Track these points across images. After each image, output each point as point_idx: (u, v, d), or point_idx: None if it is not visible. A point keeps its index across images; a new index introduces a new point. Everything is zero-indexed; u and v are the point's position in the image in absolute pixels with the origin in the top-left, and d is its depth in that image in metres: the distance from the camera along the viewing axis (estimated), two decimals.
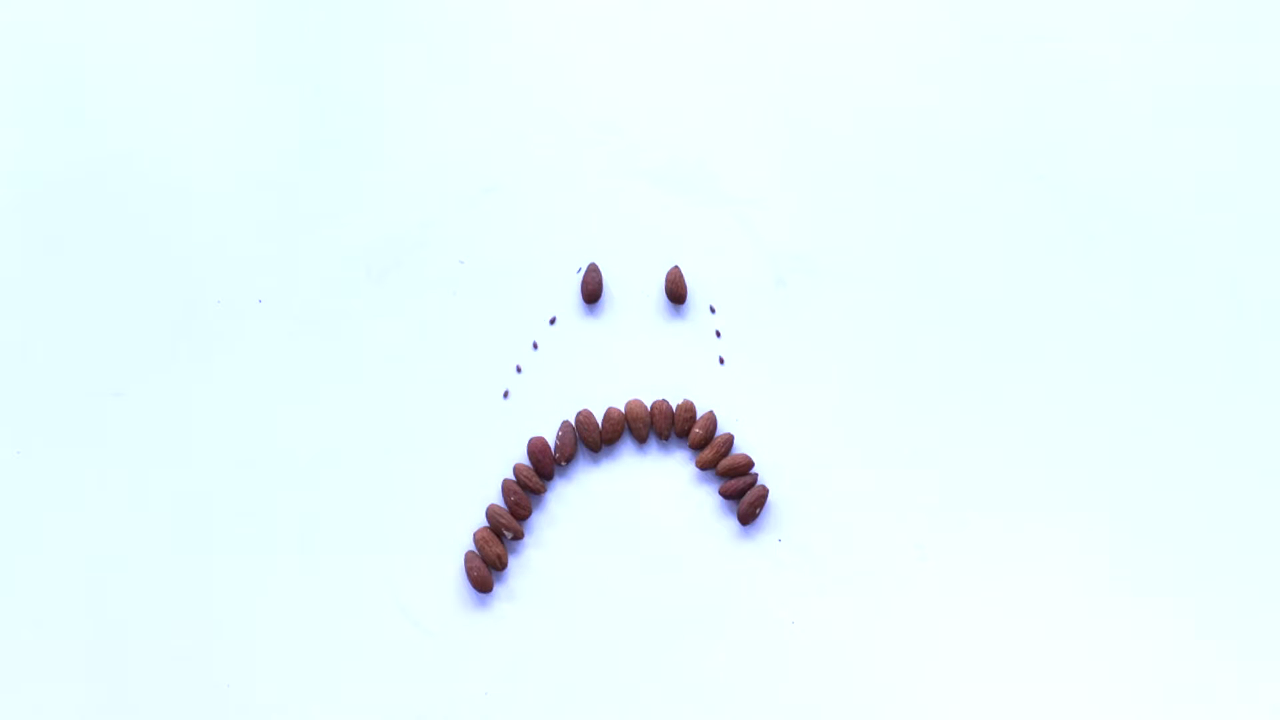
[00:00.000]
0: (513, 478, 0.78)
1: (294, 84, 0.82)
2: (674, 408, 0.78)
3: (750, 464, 0.77)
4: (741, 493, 0.77)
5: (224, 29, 0.83)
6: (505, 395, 0.79)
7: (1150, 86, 0.81)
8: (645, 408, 0.78)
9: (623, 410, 0.78)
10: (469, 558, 0.77)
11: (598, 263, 0.80)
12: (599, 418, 0.79)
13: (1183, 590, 0.76)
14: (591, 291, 0.79)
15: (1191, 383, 0.79)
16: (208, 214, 0.81)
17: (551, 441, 0.78)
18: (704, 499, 0.78)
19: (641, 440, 0.79)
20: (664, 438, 0.78)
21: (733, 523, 0.78)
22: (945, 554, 0.77)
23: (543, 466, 0.78)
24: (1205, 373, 0.79)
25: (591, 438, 0.78)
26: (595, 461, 0.79)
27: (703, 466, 0.77)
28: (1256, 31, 0.82)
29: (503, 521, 0.77)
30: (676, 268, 0.80)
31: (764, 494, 0.77)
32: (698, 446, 0.78)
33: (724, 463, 0.77)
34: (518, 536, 0.77)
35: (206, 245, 0.80)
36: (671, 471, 0.79)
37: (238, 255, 0.80)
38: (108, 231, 0.81)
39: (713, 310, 0.80)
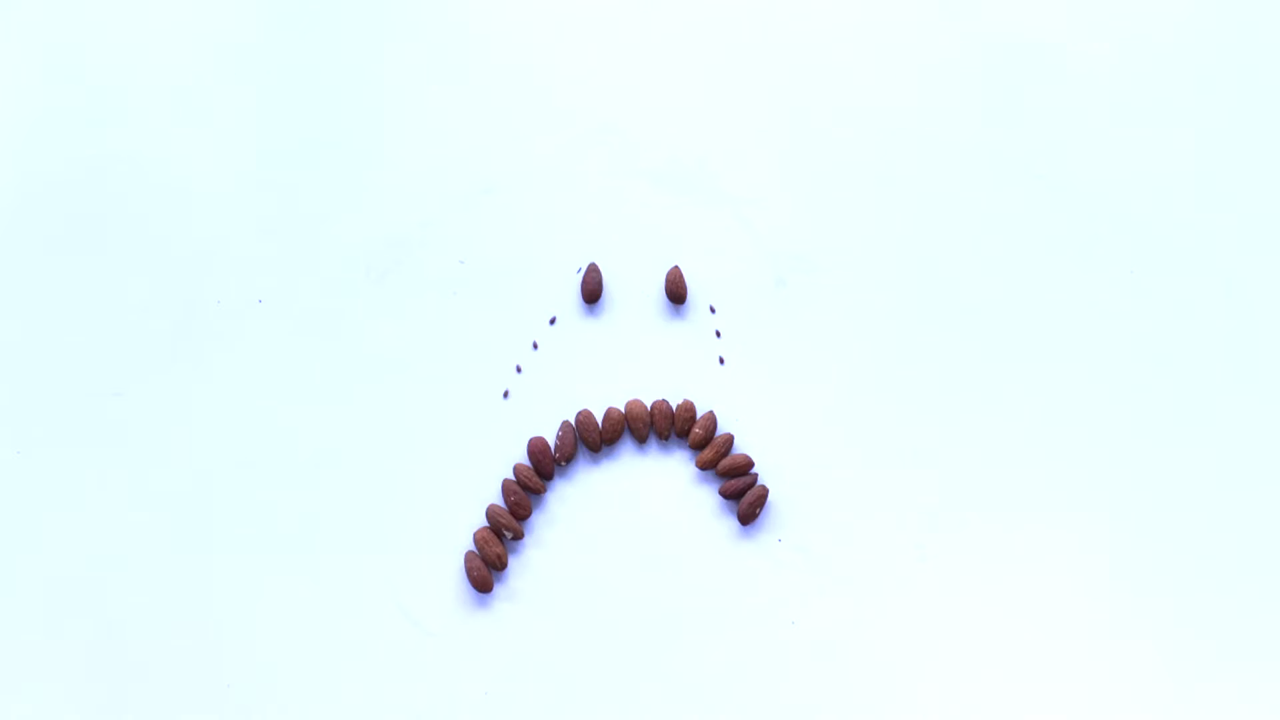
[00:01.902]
0: (513, 478, 0.78)
1: (294, 84, 0.82)
2: (674, 408, 0.78)
3: (750, 464, 0.77)
4: (741, 493, 0.77)
5: (224, 29, 0.83)
6: (505, 395, 0.79)
7: (1150, 86, 0.81)
8: (645, 408, 0.78)
9: (623, 410, 0.78)
10: (469, 558, 0.77)
11: (598, 263, 0.80)
12: (599, 418, 0.79)
13: (1183, 590, 0.76)
14: (591, 291, 0.79)
15: (1190, 382, 0.79)
16: (208, 214, 0.81)
17: (551, 441, 0.78)
18: (704, 499, 0.78)
19: (641, 440, 0.79)
20: (664, 438, 0.78)
21: (733, 523, 0.78)
22: (945, 554, 0.77)
23: (543, 466, 0.78)
24: (1204, 372, 0.79)
25: (591, 438, 0.78)
26: (595, 461, 0.79)
27: (703, 466, 0.77)
28: (1256, 31, 0.82)
29: (503, 521, 0.77)
30: (676, 268, 0.80)
31: (764, 494, 0.77)
32: (698, 446, 0.78)
33: (724, 463, 0.77)
34: (518, 536, 0.77)
35: (206, 245, 0.80)
36: (671, 471, 0.79)
37: (238, 255, 0.80)
38: (108, 231, 0.81)
39: (713, 310, 0.80)
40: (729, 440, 0.78)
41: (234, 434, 0.78)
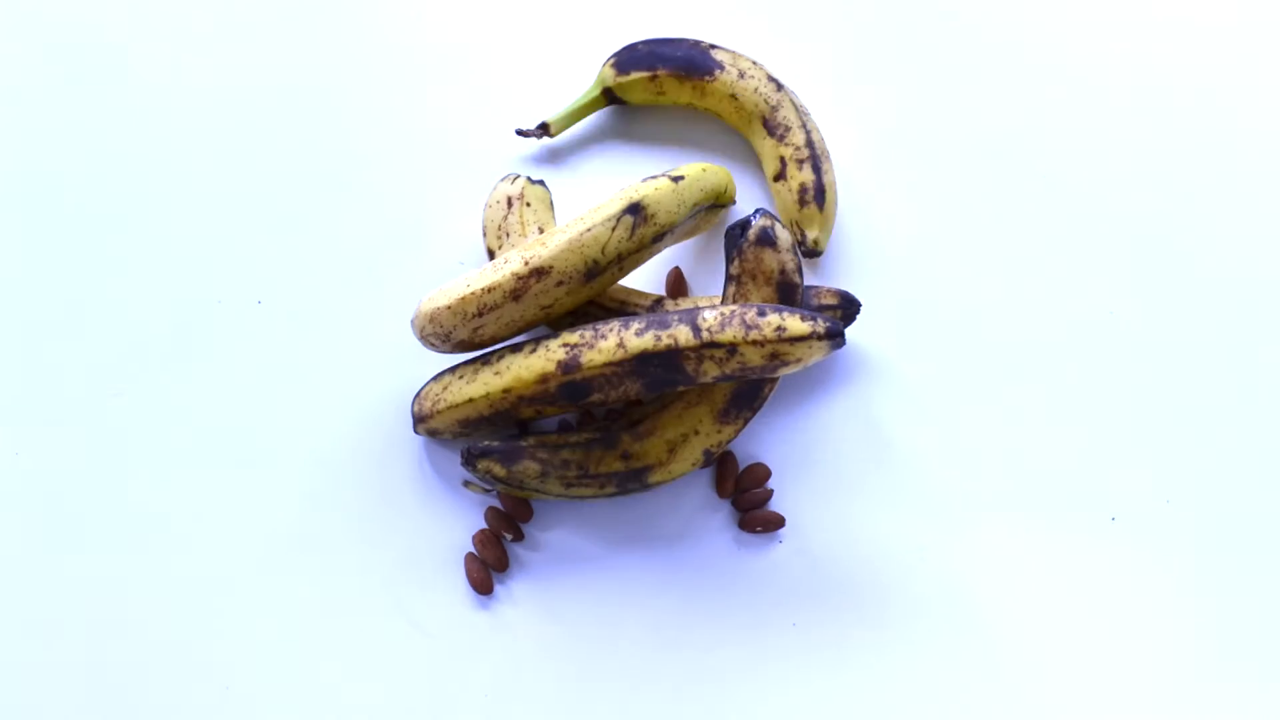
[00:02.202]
0: None
1: (295, 84, 0.82)
2: None
3: (768, 474, 0.77)
4: (756, 505, 0.77)
5: (225, 30, 0.83)
6: None
7: (1152, 87, 0.82)
8: None
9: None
10: (469, 559, 0.76)
11: None
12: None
13: (1184, 590, 0.76)
14: None
15: (1193, 383, 0.79)
16: (208, 214, 0.81)
17: None
18: (704, 499, 0.78)
19: None
20: None
21: (733, 523, 0.78)
22: (945, 554, 0.77)
23: None
24: (1207, 373, 0.79)
25: None
26: None
27: (725, 496, 0.77)
28: (1255, 33, 0.82)
29: (502, 523, 0.77)
30: (677, 268, 0.80)
31: (779, 522, 0.76)
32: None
33: (744, 475, 0.77)
34: (517, 538, 0.77)
35: (206, 245, 0.81)
36: None
37: (238, 255, 0.80)
38: (108, 231, 0.81)
39: None
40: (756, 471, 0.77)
41: (234, 434, 0.78)
